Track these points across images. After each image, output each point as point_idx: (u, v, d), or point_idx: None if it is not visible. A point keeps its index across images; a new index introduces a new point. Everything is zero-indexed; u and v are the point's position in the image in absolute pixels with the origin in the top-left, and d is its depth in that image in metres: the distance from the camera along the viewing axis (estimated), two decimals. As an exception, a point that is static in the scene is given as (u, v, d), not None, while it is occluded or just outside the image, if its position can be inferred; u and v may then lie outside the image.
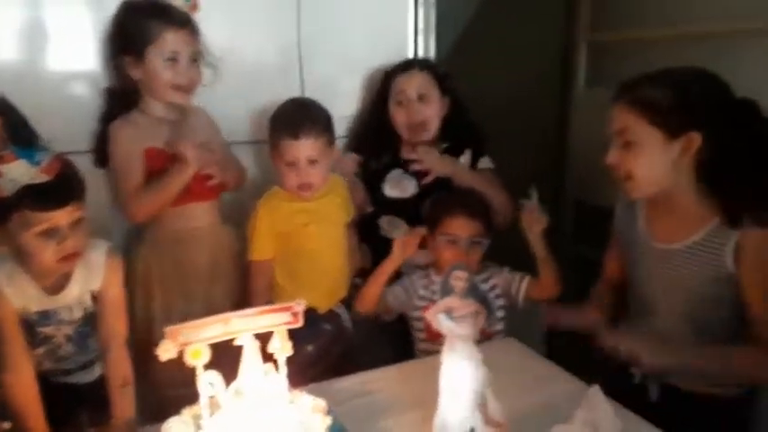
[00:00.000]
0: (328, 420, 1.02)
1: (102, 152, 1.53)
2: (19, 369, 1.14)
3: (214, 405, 0.99)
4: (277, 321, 1.02)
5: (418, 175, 1.82)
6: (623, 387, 1.25)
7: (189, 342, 0.96)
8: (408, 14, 1.99)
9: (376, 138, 1.87)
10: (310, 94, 1.80)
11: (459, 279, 1.12)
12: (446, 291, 1.13)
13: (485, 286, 1.59)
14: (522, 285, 1.59)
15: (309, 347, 1.57)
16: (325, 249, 1.63)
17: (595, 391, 1.00)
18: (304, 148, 1.51)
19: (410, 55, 2.01)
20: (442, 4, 2.11)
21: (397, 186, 1.83)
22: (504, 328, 1.64)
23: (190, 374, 0.96)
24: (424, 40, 2.08)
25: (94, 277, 1.23)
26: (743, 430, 1.38)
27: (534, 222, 1.53)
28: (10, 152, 1.07)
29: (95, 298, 1.25)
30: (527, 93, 2.63)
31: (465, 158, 1.87)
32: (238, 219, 1.65)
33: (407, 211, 1.80)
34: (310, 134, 1.51)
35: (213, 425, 0.96)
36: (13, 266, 1.16)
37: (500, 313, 1.62)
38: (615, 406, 1.02)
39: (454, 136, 1.89)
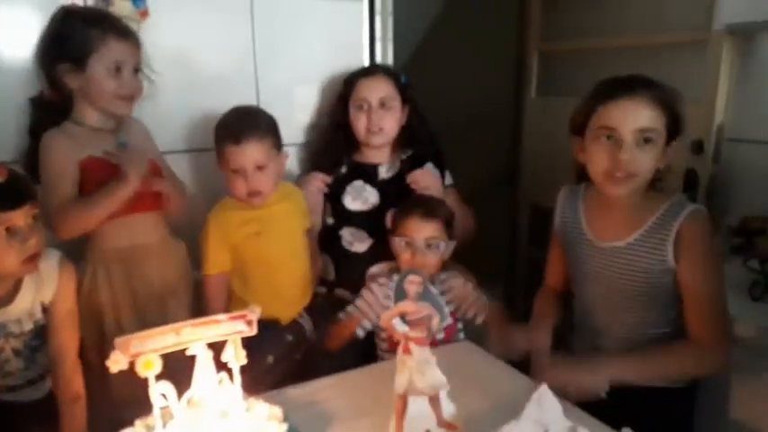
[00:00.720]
0: (284, 427, 1.02)
1: (32, 165, 1.43)
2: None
3: (167, 415, 0.98)
4: (231, 330, 1.02)
5: (379, 186, 1.83)
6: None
7: (140, 353, 0.95)
8: (364, 23, 2.00)
9: (334, 142, 1.87)
10: (265, 102, 1.81)
11: (412, 283, 1.14)
12: (400, 295, 1.15)
13: (439, 288, 1.62)
14: (475, 317, 1.63)
15: (270, 357, 1.56)
16: (281, 258, 1.62)
17: (544, 390, 1.03)
18: (248, 153, 1.50)
19: (366, 63, 2.02)
20: (400, 12, 2.14)
21: (359, 198, 1.83)
22: (463, 329, 1.67)
23: (143, 392, 0.95)
24: (381, 48, 2.11)
25: (46, 288, 1.21)
26: (689, 419, 1.44)
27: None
28: None
29: (46, 310, 1.22)
30: (482, 101, 2.70)
31: (429, 167, 1.88)
32: (188, 231, 1.62)
33: (369, 222, 1.81)
34: (252, 138, 1.50)
35: (167, 433, 0.96)
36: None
37: (449, 319, 1.64)
38: (564, 404, 1.05)
39: (414, 145, 1.91)
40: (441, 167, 1.91)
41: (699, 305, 1.31)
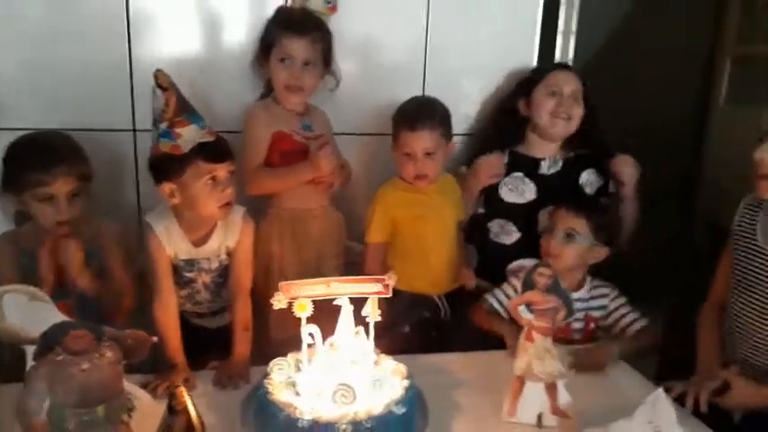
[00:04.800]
0: (405, 383, 1.14)
1: None
2: (166, 300, 1.39)
3: (312, 353, 1.16)
4: (370, 289, 1.17)
5: (538, 180, 1.86)
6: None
7: (297, 296, 1.14)
8: (537, 18, 2.03)
9: (503, 130, 1.92)
10: (430, 92, 1.93)
11: (542, 275, 1.20)
12: (529, 285, 1.21)
13: (588, 294, 1.64)
14: (625, 330, 1.62)
15: (406, 327, 1.71)
16: (433, 242, 1.74)
17: (660, 393, 1.03)
18: (421, 139, 1.64)
19: (535, 59, 2.05)
20: (586, 6, 2.12)
21: (516, 190, 1.87)
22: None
23: (294, 333, 1.13)
24: (562, 42, 2.12)
25: (231, 235, 1.46)
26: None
27: None
28: (184, 118, 1.32)
29: (229, 253, 1.48)
30: (664, 105, 2.54)
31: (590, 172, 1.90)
32: (348, 204, 1.84)
33: (521, 216, 1.84)
34: (426, 127, 1.64)
35: (309, 368, 1.13)
36: (170, 221, 1.41)
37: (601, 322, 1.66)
38: (681, 412, 1.04)
39: (581, 147, 1.91)
40: (604, 174, 1.89)
41: None
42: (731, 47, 2.38)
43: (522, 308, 1.20)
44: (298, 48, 1.64)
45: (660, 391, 1.04)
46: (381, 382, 1.14)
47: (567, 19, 2.13)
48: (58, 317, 1.09)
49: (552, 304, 1.19)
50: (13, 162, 1.44)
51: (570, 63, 2.13)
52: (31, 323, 1.05)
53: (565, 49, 2.14)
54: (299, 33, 1.63)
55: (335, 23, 1.78)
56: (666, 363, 1.77)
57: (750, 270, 1.40)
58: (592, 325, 1.64)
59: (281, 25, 1.66)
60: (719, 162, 2.43)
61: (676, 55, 2.53)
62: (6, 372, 1.08)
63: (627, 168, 1.82)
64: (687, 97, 2.60)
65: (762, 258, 1.37)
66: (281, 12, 1.73)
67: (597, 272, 1.71)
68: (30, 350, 1.04)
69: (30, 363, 1.03)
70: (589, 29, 2.30)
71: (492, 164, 1.83)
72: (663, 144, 2.56)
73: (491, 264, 1.87)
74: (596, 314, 1.64)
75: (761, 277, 1.37)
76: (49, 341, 1.03)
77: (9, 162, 1.44)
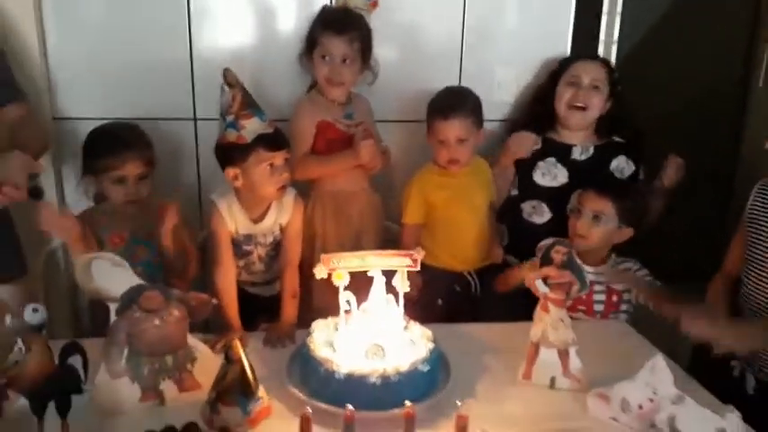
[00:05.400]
0: (431, 345, 1.29)
1: None
2: (226, 267, 1.57)
3: (349, 317, 1.31)
4: (400, 263, 1.32)
5: (570, 166, 1.95)
6: (722, 379, 1.34)
7: (335, 268, 1.30)
8: (571, 5, 2.09)
9: (535, 117, 2.01)
10: (466, 81, 2.04)
11: (558, 252, 1.32)
12: (546, 260, 1.33)
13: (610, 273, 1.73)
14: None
15: (439, 300, 1.85)
16: (464, 222, 1.86)
17: (658, 359, 1.14)
18: (452, 127, 1.77)
19: (569, 47, 2.12)
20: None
21: (548, 174, 1.97)
22: (629, 313, 1.76)
23: (334, 300, 1.30)
24: (607, 23, 2.18)
25: (284, 214, 1.63)
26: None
27: None
28: (248, 112, 1.49)
29: (282, 230, 1.65)
30: (704, 91, 2.55)
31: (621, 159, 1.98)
32: (387, 187, 1.99)
33: (554, 199, 1.94)
34: (458, 116, 1.76)
35: (346, 329, 1.29)
36: (231, 200, 1.59)
37: (624, 315, 1.76)
38: (680, 375, 1.14)
39: (612, 134, 1.98)
40: (635, 161, 1.96)
41: None
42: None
43: (539, 281, 1.32)
44: (336, 46, 1.77)
45: (659, 356, 1.15)
46: (409, 343, 1.29)
47: (612, 6, 2.18)
48: (135, 280, 1.28)
49: (567, 279, 1.30)
50: (91, 150, 1.66)
51: (615, 47, 2.19)
52: (114, 284, 1.25)
53: (609, 33, 2.19)
54: (337, 32, 1.77)
55: (376, 17, 1.91)
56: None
57: (763, 250, 1.46)
58: (614, 297, 1.74)
59: (322, 24, 1.80)
60: (758, 146, 2.43)
61: (718, 40, 2.53)
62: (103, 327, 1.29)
63: (673, 172, 1.89)
64: (727, 82, 2.59)
65: None
66: (323, 11, 1.87)
67: (632, 253, 1.80)
68: (113, 307, 1.24)
69: (113, 318, 1.24)
70: (633, 14, 2.34)
71: (522, 139, 1.94)
72: (703, 128, 2.58)
73: (522, 242, 1.96)
74: (619, 287, 1.73)
75: None
76: (128, 300, 1.23)
77: (88, 149, 1.67)
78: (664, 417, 1.12)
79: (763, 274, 1.46)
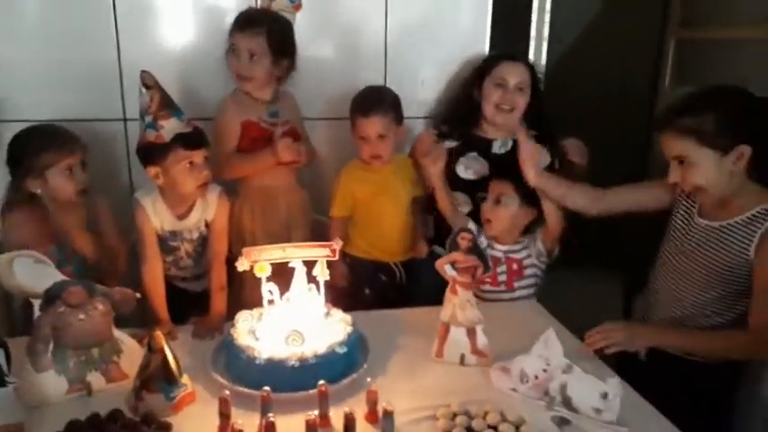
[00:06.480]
0: (349, 329, 1.38)
1: None
2: (152, 263, 1.62)
3: (272, 307, 1.39)
4: (319, 253, 1.40)
5: (491, 159, 2.05)
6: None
7: (257, 260, 1.37)
8: (488, 9, 2.22)
9: (459, 113, 2.10)
10: (391, 80, 2.15)
11: (464, 239, 1.42)
12: (453, 247, 1.43)
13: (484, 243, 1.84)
14: (537, 239, 1.84)
15: (366, 290, 1.95)
16: (386, 216, 1.96)
17: (550, 333, 1.26)
18: (372, 124, 1.86)
19: (487, 49, 2.25)
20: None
21: (470, 168, 2.07)
22: (536, 292, 1.88)
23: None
24: (536, 21, 2.32)
25: (209, 210, 1.69)
26: (726, 393, 1.53)
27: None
28: (166, 112, 1.53)
29: (208, 225, 1.70)
30: (618, 90, 2.69)
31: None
32: (317, 182, 2.08)
33: (474, 190, 2.04)
34: (377, 113, 1.85)
35: (269, 317, 1.37)
36: (156, 197, 1.63)
37: (531, 280, 1.87)
38: (569, 347, 1.28)
39: (529, 128, 2.11)
40: (551, 153, 2.09)
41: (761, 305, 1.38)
42: (674, 30, 2.54)
43: (447, 266, 1.42)
44: (240, 41, 1.82)
45: (551, 330, 1.27)
46: (329, 328, 1.37)
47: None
48: (58, 276, 1.32)
49: (472, 263, 1.41)
50: (29, 148, 1.63)
51: (546, 43, 2.34)
52: (37, 281, 1.29)
53: (539, 29, 2.32)
54: (240, 28, 1.83)
55: (302, 18, 1.97)
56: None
57: (685, 240, 1.54)
58: (515, 266, 1.84)
59: (233, 23, 1.86)
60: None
61: (629, 39, 2.70)
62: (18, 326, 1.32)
63: (575, 153, 1.98)
64: (639, 81, 2.76)
65: (699, 234, 1.50)
66: (239, 13, 1.92)
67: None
68: (36, 303, 1.28)
69: (37, 313, 1.27)
70: (563, 14, 2.48)
71: (425, 146, 2.01)
72: (620, 128, 2.72)
73: (447, 232, 2.08)
74: (517, 256, 1.84)
75: (693, 248, 1.50)
76: (52, 295, 1.27)
77: (25, 150, 1.64)
78: (556, 385, 1.24)
79: (683, 261, 1.54)
